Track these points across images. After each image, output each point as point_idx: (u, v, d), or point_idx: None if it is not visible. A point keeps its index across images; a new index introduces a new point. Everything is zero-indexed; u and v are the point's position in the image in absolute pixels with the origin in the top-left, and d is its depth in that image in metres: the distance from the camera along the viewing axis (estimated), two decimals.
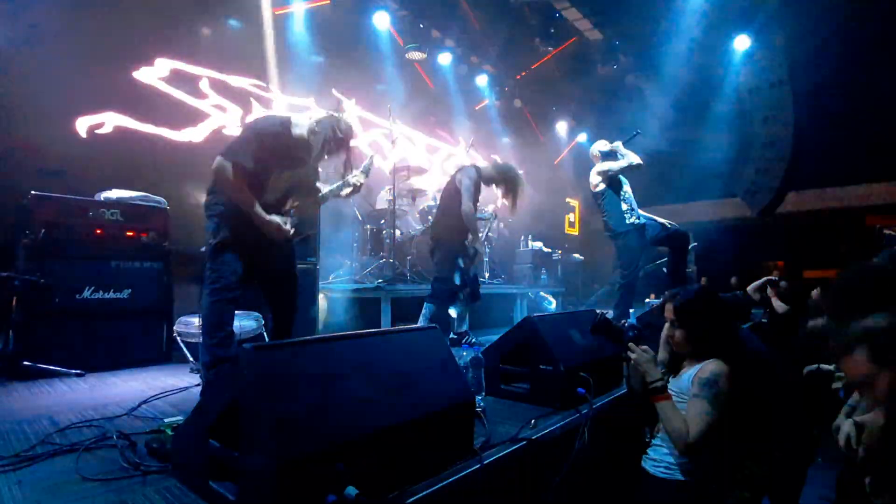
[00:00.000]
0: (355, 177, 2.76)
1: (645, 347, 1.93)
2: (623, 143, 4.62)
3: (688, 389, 1.91)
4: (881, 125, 8.57)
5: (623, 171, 4.53)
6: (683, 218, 7.83)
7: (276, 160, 2.40)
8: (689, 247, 5.04)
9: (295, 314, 2.71)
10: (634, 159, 4.49)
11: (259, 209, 2.35)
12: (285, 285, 2.66)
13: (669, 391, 1.88)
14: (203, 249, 3.69)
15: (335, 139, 2.50)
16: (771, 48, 9.72)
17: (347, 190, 2.75)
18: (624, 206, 4.53)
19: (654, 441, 2.03)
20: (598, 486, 2.12)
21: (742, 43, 9.39)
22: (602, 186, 4.59)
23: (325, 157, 2.60)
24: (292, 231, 2.52)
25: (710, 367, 1.90)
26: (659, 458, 1.96)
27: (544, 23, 8.64)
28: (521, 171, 4.12)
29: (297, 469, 1.14)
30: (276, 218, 2.42)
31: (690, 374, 1.95)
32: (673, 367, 2.14)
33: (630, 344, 1.95)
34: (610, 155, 4.64)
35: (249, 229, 2.38)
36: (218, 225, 2.40)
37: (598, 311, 2.40)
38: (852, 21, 8.35)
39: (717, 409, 1.81)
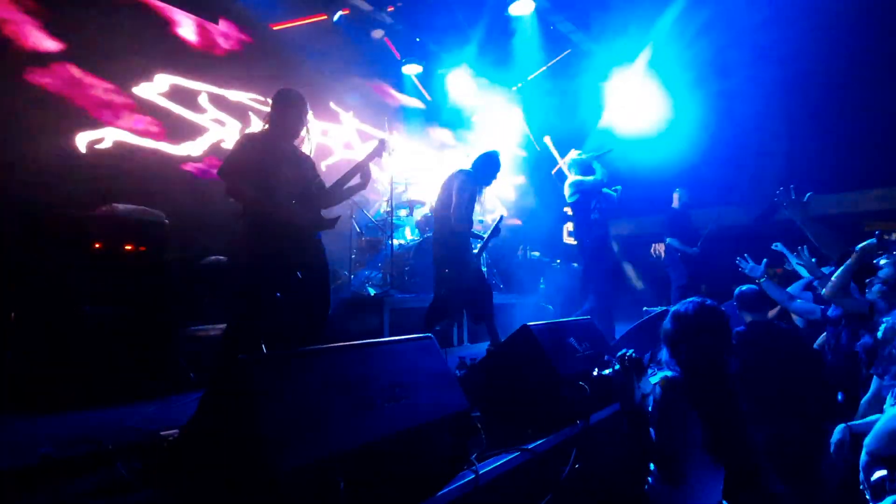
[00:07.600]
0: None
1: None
2: (596, 158, 4.67)
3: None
4: (873, 132, 8.67)
5: (596, 185, 4.58)
6: None
7: (263, 155, 2.48)
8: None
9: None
10: (604, 177, 4.57)
11: (277, 202, 2.43)
12: (316, 311, 2.63)
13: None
14: (203, 261, 3.67)
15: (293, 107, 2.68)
16: (761, 56, 9.82)
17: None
18: (592, 217, 4.58)
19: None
20: (598, 497, 2.10)
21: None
22: (576, 197, 4.66)
23: (305, 132, 2.75)
24: (317, 220, 2.59)
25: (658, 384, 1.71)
26: None
27: (538, 34, 8.74)
28: (492, 150, 3.87)
29: (295, 479, 1.15)
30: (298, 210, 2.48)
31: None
32: None
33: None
34: (582, 166, 4.68)
35: (277, 262, 2.41)
36: (242, 273, 2.46)
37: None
38: (845, 26, 8.46)
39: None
